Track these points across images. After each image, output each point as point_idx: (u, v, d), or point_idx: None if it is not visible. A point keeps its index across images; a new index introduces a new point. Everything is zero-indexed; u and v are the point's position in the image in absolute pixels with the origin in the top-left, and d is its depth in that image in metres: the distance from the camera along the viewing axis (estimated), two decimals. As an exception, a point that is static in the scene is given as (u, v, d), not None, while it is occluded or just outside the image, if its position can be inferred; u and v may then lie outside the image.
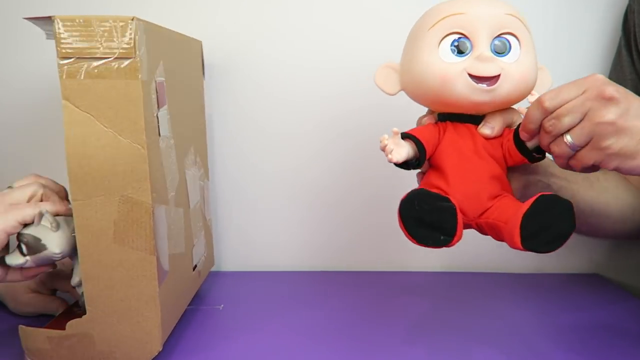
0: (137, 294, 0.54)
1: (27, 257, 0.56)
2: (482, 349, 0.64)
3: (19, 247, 0.56)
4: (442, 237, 0.48)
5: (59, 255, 0.57)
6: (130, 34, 0.48)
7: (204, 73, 0.77)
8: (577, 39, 0.83)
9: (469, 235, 0.53)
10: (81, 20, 0.48)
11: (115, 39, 0.48)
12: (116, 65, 0.49)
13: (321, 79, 0.83)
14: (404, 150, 0.51)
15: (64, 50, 0.49)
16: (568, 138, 0.48)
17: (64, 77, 0.49)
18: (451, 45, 0.51)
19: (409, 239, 0.49)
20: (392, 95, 0.56)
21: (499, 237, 0.51)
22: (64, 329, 0.56)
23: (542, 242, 0.47)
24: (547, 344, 0.66)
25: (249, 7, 0.82)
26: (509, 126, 0.54)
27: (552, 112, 0.49)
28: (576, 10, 0.82)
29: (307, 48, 0.83)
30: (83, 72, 0.49)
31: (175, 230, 0.60)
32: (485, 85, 0.50)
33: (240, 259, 0.91)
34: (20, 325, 0.57)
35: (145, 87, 0.50)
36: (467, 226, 0.53)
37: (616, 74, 0.77)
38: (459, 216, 0.49)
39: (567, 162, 0.51)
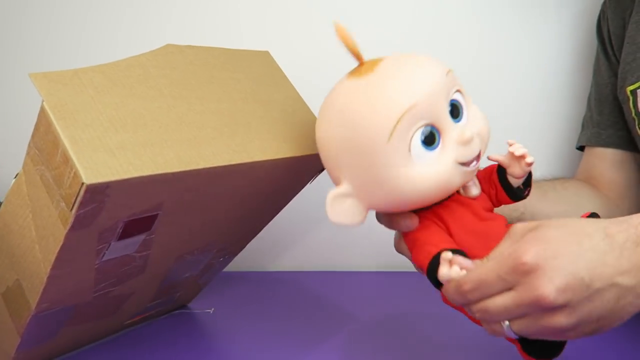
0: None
1: None
2: (478, 351, 0.59)
3: None
4: None
5: None
6: (74, 190, 0.37)
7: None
8: (549, 46, 0.84)
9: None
10: (55, 137, 0.38)
11: (63, 177, 0.38)
12: (57, 199, 0.39)
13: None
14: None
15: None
16: (506, 324, 0.40)
17: (28, 159, 0.41)
18: (422, 143, 0.40)
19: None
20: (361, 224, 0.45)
21: None
22: None
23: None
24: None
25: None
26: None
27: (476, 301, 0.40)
28: (549, 17, 0.83)
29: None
30: (38, 170, 0.41)
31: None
32: (475, 163, 0.42)
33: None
34: None
35: (76, 236, 0.40)
36: None
37: (596, 79, 0.76)
38: None
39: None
